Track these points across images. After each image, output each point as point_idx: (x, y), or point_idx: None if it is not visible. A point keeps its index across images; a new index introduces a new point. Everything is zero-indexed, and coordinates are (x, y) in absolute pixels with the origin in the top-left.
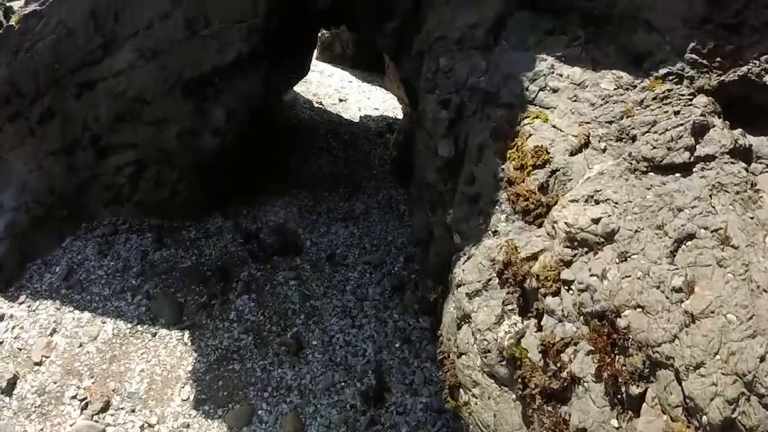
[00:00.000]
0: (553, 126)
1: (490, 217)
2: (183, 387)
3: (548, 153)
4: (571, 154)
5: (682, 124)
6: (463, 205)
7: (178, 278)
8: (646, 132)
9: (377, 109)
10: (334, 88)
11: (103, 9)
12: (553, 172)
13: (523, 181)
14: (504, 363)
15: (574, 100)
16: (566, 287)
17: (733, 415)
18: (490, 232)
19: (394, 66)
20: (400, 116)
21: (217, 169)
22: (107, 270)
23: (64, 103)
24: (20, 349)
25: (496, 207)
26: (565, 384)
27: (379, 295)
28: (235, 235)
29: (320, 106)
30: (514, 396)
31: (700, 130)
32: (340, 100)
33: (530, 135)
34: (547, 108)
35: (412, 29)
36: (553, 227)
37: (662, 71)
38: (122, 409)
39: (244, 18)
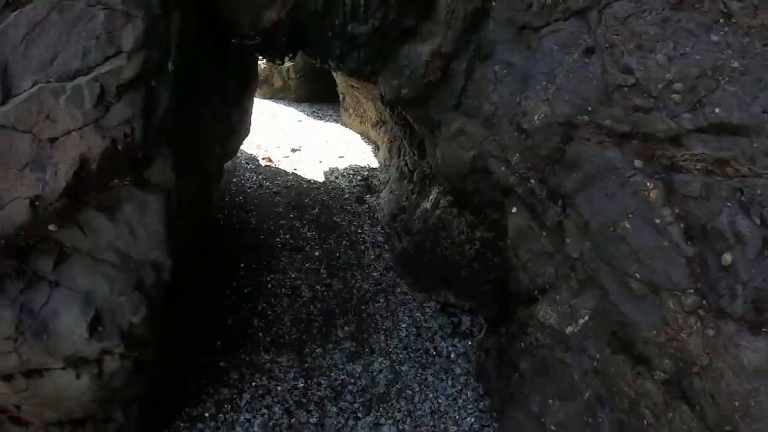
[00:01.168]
0: None
1: None
2: None
3: None
4: None
5: None
6: None
7: None
8: None
9: (342, 156)
10: (282, 134)
11: None
12: None
13: None
14: None
15: None
16: None
17: None
18: None
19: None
20: (373, 163)
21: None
22: None
23: None
24: None
25: None
26: None
27: None
28: None
29: (269, 164)
30: None
31: None
32: (293, 150)
33: None
34: None
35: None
36: None
37: None
38: None
39: (90, 62)
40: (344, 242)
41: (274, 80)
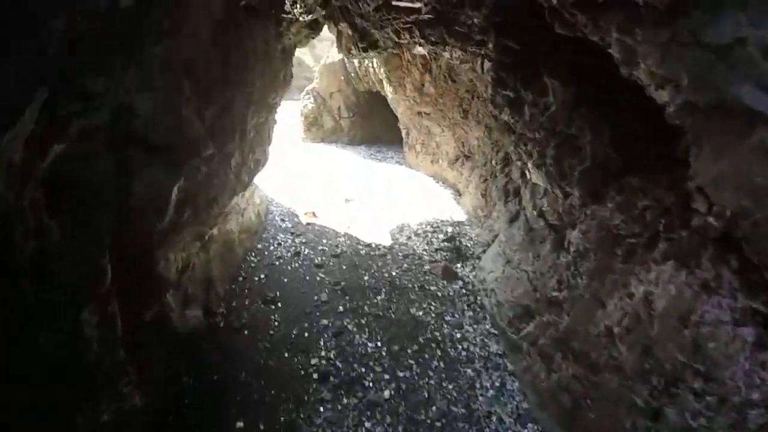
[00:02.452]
0: None
1: None
2: None
3: None
4: None
5: None
6: None
7: None
8: None
9: (413, 206)
10: (333, 181)
11: None
12: None
13: None
14: None
15: None
16: None
17: None
18: None
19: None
20: (457, 213)
21: None
22: None
23: None
24: None
25: None
26: None
27: None
28: None
29: (312, 221)
30: None
31: None
32: (347, 201)
33: None
34: None
35: None
36: None
37: None
38: None
39: None
40: (435, 362)
41: (323, 120)
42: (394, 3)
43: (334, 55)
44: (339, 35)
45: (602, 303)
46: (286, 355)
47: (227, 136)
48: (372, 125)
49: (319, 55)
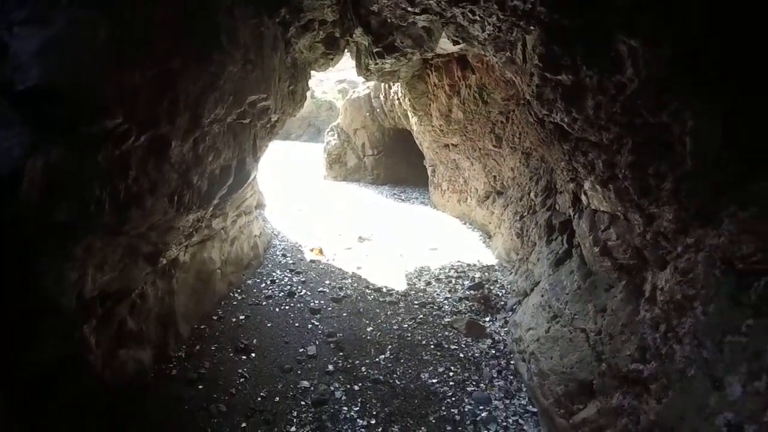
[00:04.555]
0: None
1: None
2: None
3: None
4: None
5: None
6: None
7: None
8: None
9: (435, 249)
10: (344, 219)
11: None
12: None
13: None
14: None
15: None
16: None
17: None
18: None
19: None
20: (486, 257)
21: None
22: None
23: None
24: None
25: None
26: None
27: None
28: None
29: (318, 258)
30: None
31: None
32: (361, 240)
33: None
34: None
35: None
36: None
37: None
38: None
39: None
40: None
41: (346, 158)
42: None
43: (360, 90)
44: (357, 53)
45: (719, 382)
46: (244, 425)
47: (161, 113)
48: (397, 165)
49: None
